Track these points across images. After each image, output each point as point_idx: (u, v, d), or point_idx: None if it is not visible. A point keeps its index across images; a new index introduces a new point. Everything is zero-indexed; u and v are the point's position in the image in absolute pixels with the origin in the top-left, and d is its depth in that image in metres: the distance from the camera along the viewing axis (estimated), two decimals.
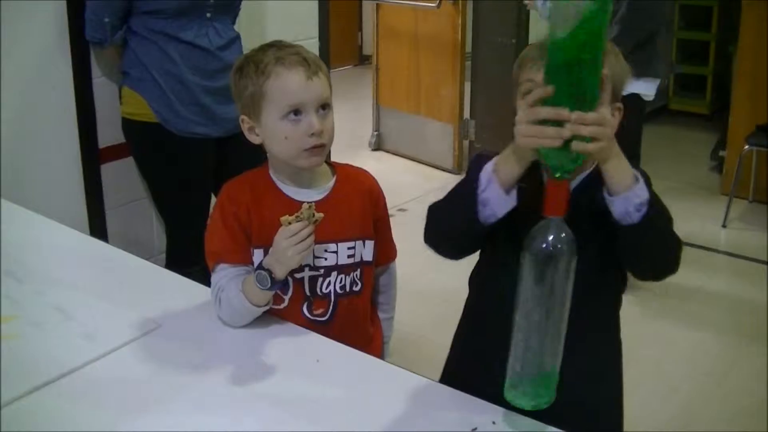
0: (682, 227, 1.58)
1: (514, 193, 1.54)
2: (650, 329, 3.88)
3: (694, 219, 5.19)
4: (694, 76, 7.51)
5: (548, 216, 1.39)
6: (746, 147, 5.21)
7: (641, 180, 1.49)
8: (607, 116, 1.44)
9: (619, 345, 1.81)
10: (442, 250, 1.72)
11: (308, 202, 1.77)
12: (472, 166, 1.62)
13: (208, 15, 2.97)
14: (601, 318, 1.74)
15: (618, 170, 1.47)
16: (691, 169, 6.23)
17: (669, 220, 1.58)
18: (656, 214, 1.50)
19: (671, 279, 1.62)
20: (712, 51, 7.28)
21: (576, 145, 1.37)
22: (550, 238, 1.38)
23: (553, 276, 1.39)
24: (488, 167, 1.54)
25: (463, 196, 1.58)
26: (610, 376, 1.80)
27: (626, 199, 1.47)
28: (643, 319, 3.99)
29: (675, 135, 7.15)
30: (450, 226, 1.66)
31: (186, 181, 3.11)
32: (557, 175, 1.40)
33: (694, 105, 7.50)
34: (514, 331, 1.44)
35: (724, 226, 5.20)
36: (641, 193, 1.48)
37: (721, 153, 5.95)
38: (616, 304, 1.78)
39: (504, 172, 1.52)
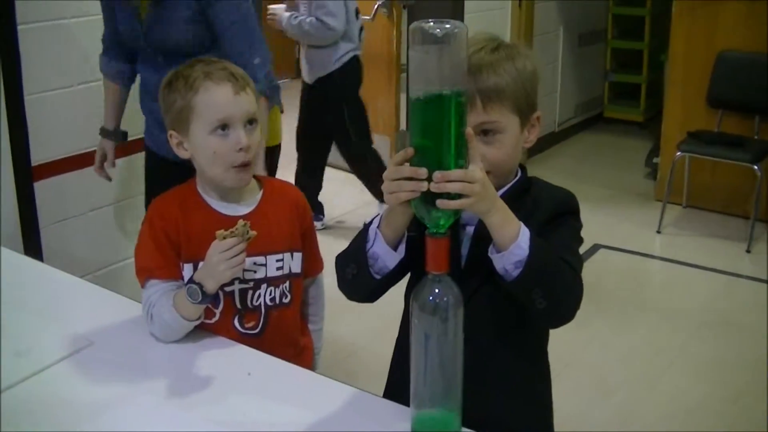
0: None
1: (402, 247, 1.56)
2: (586, 334, 3.93)
3: (629, 225, 5.27)
4: (628, 84, 7.64)
5: (430, 272, 1.40)
6: (678, 153, 5.29)
7: (524, 237, 1.46)
8: (475, 174, 1.39)
9: (546, 369, 1.80)
10: (353, 298, 1.71)
11: (243, 220, 1.79)
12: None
13: (160, 60, 2.96)
14: (527, 346, 1.73)
15: (500, 226, 1.46)
16: (627, 176, 6.32)
17: (560, 274, 1.52)
18: (535, 273, 1.46)
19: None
20: (645, 59, 7.40)
21: (441, 203, 1.37)
22: (435, 291, 1.40)
23: (440, 327, 1.41)
24: (375, 222, 1.57)
25: (357, 251, 1.60)
26: (538, 401, 1.79)
27: (502, 257, 1.47)
28: (578, 324, 4.01)
29: (610, 142, 7.27)
30: (352, 278, 1.64)
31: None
32: (433, 231, 1.40)
33: (628, 113, 7.62)
34: (411, 375, 1.46)
35: (658, 231, 5.28)
36: (519, 252, 1.45)
37: (655, 160, 6.03)
38: (543, 331, 1.77)
39: (387, 228, 1.55)
